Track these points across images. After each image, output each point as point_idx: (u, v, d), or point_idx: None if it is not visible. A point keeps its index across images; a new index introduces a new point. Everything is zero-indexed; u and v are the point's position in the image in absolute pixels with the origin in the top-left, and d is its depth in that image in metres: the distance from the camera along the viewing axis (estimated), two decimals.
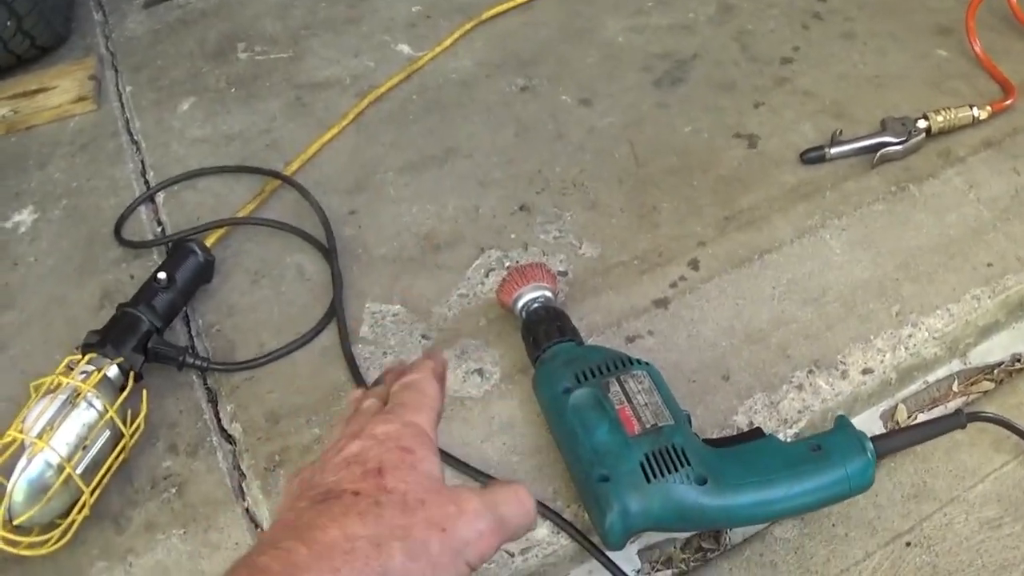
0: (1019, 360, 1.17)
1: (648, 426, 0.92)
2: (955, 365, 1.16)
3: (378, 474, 0.65)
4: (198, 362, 1.12)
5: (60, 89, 1.60)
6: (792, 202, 1.27)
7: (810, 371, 1.08)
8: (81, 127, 1.55)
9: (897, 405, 1.13)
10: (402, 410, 0.72)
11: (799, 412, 1.05)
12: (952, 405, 1.14)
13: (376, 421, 0.70)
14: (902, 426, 1.11)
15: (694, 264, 1.21)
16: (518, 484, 0.70)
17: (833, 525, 1.00)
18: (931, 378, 1.15)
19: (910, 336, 1.11)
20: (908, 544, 0.98)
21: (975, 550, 0.97)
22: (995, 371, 1.16)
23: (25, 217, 1.39)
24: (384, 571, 0.59)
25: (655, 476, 0.88)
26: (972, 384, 1.15)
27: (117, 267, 1.29)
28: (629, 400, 0.94)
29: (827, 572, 0.97)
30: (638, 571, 1.00)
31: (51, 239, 1.35)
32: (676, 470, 0.88)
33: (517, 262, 1.22)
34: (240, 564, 0.58)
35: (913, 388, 1.14)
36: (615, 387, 0.95)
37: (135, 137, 1.51)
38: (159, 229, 1.35)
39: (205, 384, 1.14)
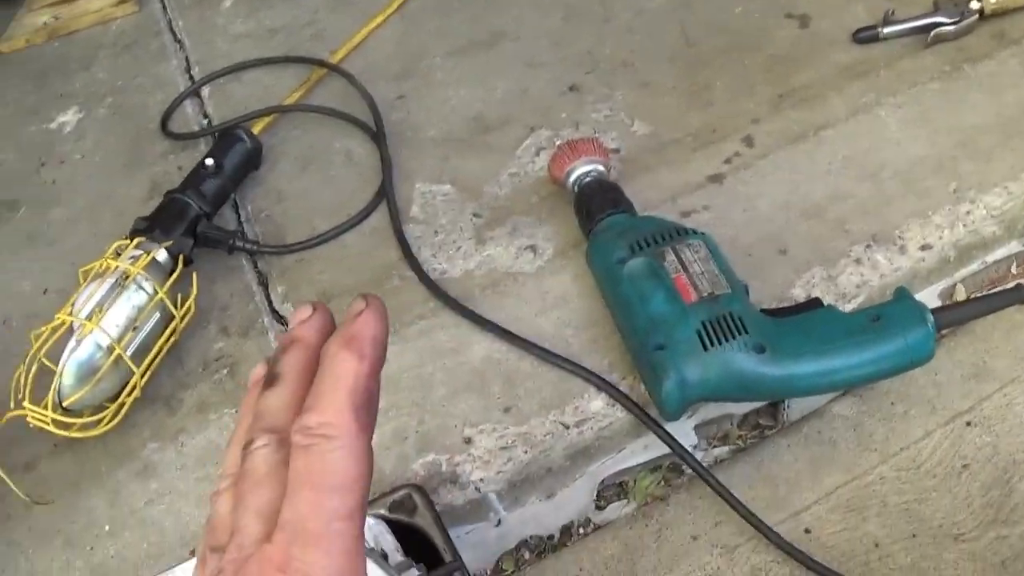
0: None
1: (705, 294, 0.90)
2: (1014, 246, 1.13)
3: None
4: (248, 246, 1.12)
5: None
6: (846, 80, 1.24)
7: (868, 246, 1.06)
8: (123, 29, 1.55)
9: (956, 285, 1.10)
10: (289, 550, 0.40)
11: (857, 287, 1.03)
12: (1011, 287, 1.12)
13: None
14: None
15: (748, 141, 1.18)
16: None
17: (892, 403, 0.99)
18: (990, 258, 1.12)
19: (968, 213, 1.08)
20: (968, 424, 0.97)
21: None
22: None
23: (70, 117, 1.40)
24: None
25: (712, 344, 0.86)
26: None
27: (164, 159, 1.29)
28: (685, 269, 0.92)
29: (886, 450, 0.96)
30: (695, 447, 0.99)
31: (97, 137, 1.36)
32: (734, 338, 0.86)
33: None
34: None
35: (972, 268, 1.11)
36: (671, 256, 0.94)
37: (178, 36, 1.51)
38: (205, 122, 1.34)
39: (256, 268, 1.14)
